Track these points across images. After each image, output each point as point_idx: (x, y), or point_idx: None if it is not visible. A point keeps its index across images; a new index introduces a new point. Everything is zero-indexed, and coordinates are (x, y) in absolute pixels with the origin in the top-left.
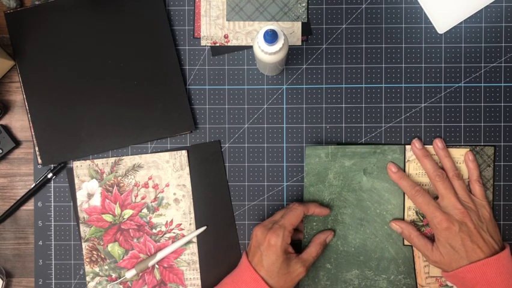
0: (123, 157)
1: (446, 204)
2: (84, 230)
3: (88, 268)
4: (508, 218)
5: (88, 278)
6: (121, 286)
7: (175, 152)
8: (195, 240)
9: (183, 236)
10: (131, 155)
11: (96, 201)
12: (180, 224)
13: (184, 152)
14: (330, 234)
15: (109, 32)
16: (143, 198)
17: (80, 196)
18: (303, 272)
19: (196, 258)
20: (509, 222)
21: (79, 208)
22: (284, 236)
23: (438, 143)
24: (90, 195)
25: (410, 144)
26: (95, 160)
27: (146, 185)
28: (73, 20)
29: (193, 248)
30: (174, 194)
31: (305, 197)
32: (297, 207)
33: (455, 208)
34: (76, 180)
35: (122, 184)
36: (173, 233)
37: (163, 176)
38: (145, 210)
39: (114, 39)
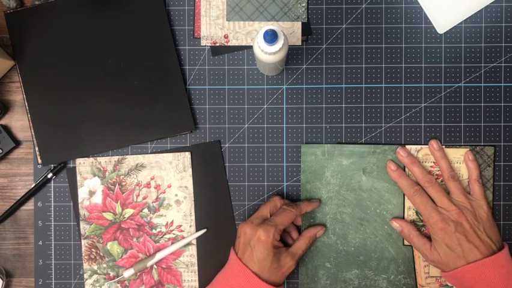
0: (126, 156)
1: (441, 206)
2: (84, 228)
3: (86, 266)
4: (508, 218)
5: (85, 276)
6: (119, 285)
7: (179, 153)
8: (194, 242)
9: (183, 237)
10: (131, 154)
11: (97, 199)
12: (180, 226)
13: (187, 154)
14: (321, 229)
15: (109, 32)
16: (144, 198)
17: (82, 193)
18: (293, 265)
19: (194, 260)
20: (509, 222)
21: (79, 205)
22: (274, 234)
23: (434, 144)
24: (91, 193)
25: (410, 144)
26: (98, 158)
27: (148, 185)
28: (73, 20)
29: (192, 250)
30: (176, 195)
31: (302, 194)
32: (291, 210)
33: (449, 209)
34: (78, 177)
35: (124, 183)
36: (173, 234)
37: (165, 177)
38: (145, 210)
39: (114, 39)
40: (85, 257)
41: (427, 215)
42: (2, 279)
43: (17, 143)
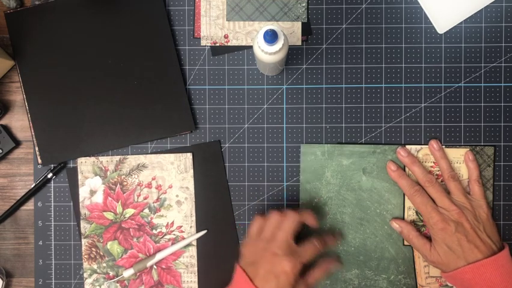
0: (128, 156)
1: (442, 206)
2: (84, 227)
3: (86, 265)
4: (508, 218)
5: (85, 275)
6: (118, 285)
7: (180, 154)
8: (194, 243)
9: (183, 238)
10: (131, 154)
11: (98, 198)
12: (181, 226)
13: (189, 155)
14: (338, 265)
15: (109, 32)
16: (145, 198)
17: (83, 192)
18: None
19: (194, 261)
20: (509, 222)
21: (80, 204)
22: (299, 267)
23: (434, 144)
24: (92, 192)
25: (410, 144)
26: (99, 157)
27: (149, 185)
28: (73, 20)
29: (192, 251)
30: (177, 195)
31: (302, 194)
32: (318, 246)
33: (450, 209)
34: (80, 176)
35: (125, 183)
36: (174, 234)
37: (166, 177)
38: (146, 210)
39: (114, 39)
40: (85, 256)
41: (427, 215)
42: (2, 279)
43: (17, 143)
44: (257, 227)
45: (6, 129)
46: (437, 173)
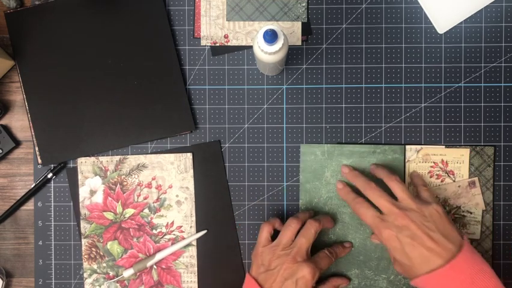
0: (128, 156)
1: (385, 211)
2: (84, 227)
3: (86, 265)
4: (508, 218)
5: (85, 275)
6: (118, 285)
7: (180, 154)
8: (194, 243)
9: (183, 238)
10: (131, 154)
11: (98, 198)
12: (181, 226)
13: (189, 155)
14: (346, 282)
15: (109, 32)
16: (145, 198)
17: (83, 192)
18: None
19: (194, 261)
20: (509, 223)
21: (80, 204)
22: (317, 276)
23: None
24: (92, 192)
25: (410, 144)
26: (99, 157)
27: (149, 185)
28: (73, 20)
29: (192, 251)
30: (177, 196)
31: (301, 194)
32: (332, 257)
33: (391, 213)
34: (80, 176)
35: (125, 183)
36: (174, 234)
37: (166, 177)
38: (146, 210)
39: (114, 39)
40: (85, 256)
41: (373, 226)
42: (2, 279)
43: (17, 143)
44: (267, 234)
45: (6, 129)
46: (437, 173)
